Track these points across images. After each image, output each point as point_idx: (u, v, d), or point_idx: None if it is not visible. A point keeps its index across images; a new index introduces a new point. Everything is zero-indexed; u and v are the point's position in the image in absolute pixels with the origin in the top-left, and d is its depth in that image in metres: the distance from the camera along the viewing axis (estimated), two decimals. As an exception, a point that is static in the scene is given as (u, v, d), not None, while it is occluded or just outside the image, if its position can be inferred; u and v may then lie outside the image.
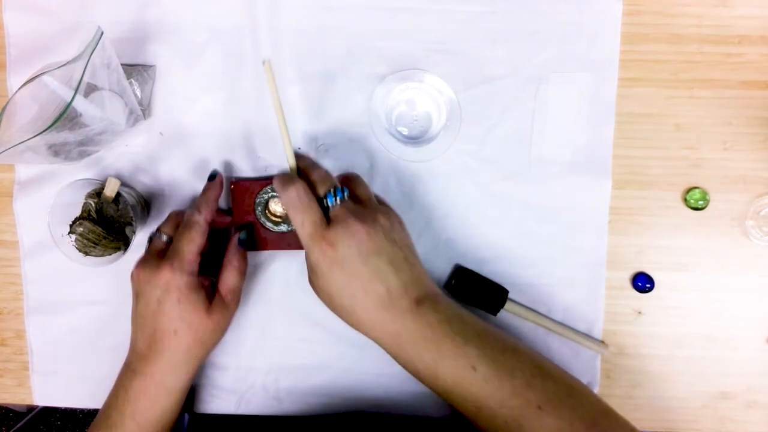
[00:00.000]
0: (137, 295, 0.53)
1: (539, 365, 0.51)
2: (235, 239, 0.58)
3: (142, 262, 0.54)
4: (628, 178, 0.61)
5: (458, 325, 0.50)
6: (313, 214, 0.48)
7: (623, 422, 0.49)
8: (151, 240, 0.56)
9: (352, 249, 0.47)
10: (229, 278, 0.55)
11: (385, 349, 0.52)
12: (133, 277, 0.54)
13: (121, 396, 0.54)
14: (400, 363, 0.52)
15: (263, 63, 0.52)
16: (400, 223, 0.53)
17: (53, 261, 0.61)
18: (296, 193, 0.48)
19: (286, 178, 0.51)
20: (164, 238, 0.55)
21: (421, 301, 0.50)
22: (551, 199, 0.61)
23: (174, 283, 0.51)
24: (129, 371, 0.54)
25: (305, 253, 0.51)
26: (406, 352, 0.50)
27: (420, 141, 0.61)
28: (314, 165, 0.52)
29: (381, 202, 0.53)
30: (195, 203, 0.56)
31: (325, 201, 0.49)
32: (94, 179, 0.58)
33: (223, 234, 0.62)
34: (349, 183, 0.55)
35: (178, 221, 0.56)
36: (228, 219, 0.60)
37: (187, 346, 0.53)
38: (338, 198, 0.49)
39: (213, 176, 0.59)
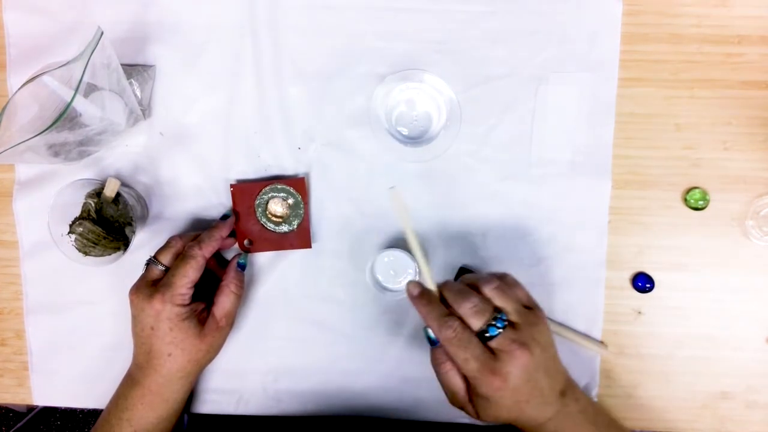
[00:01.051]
0: (133, 317, 0.55)
1: None
2: (234, 263, 0.59)
3: (137, 288, 0.55)
4: (628, 178, 0.61)
5: (592, 414, 0.52)
6: (475, 349, 0.47)
7: None
8: (147, 265, 0.56)
9: (519, 376, 0.48)
10: (224, 302, 0.57)
11: (524, 430, 0.53)
12: (130, 298, 0.55)
13: (120, 403, 0.56)
14: None
15: (390, 188, 0.53)
16: (546, 320, 0.52)
17: (53, 261, 0.61)
18: (454, 332, 0.47)
19: (440, 318, 0.49)
20: (160, 267, 0.55)
21: (565, 392, 0.51)
22: (551, 199, 0.61)
23: (165, 314, 0.53)
24: (130, 380, 0.56)
25: (471, 382, 0.49)
26: None
27: (420, 141, 0.61)
28: (463, 293, 0.50)
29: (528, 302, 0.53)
30: (199, 237, 0.57)
31: (487, 334, 0.48)
32: (94, 179, 0.58)
33: (223, 258, 0.63)
34: (507, 287, 0.52)
35: (177, 251, 0.56)
36: (232, 242, 0.61)
37: (181, 365, 0.55)
38: (500, 327, 0.48)
39: (226, 217, 0.60)
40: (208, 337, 0.55)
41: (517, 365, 0.47)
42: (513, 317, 0.49)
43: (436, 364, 0.51)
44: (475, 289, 0.50)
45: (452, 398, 0.51)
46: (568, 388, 0.52)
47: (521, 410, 0.49)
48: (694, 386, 0.62)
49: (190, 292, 0.54)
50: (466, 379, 0.49)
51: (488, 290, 0.50)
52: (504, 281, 0.52)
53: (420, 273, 0.52)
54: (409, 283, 0.52)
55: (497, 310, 0.49)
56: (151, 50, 0.62)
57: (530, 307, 0.51)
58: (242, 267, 0.59)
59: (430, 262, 0.61)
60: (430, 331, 0.50)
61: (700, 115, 0.61)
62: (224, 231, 0.58)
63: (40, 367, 0.64)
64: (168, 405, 0.56)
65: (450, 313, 0.49)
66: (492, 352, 0.48)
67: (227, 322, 0.57)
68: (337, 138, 0.62)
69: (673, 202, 0.61)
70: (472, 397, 0.50)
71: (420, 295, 0.51)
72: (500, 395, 0.48)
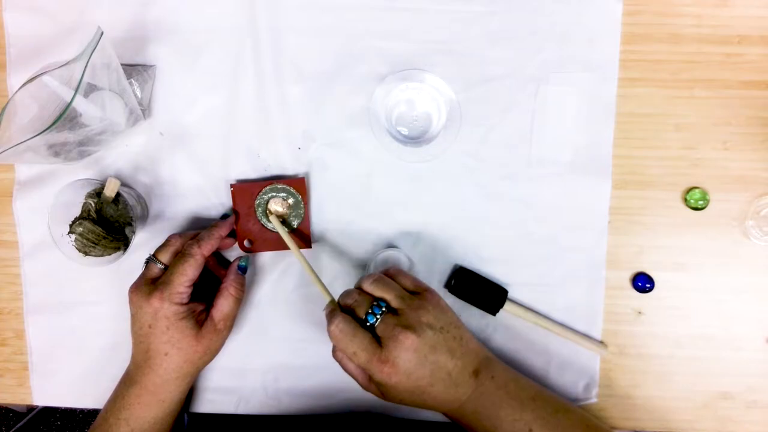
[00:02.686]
0: (132, 315, 0.55)
1: (588, 423, 0.53)
2: (234, 266, 0.59)
3: (137, 286, 0.55)
4: (628, 178, 0.61)
5: (513, 390, 0.52)
6: (362, 340, 0.49)
7: None
8: (147, 263, 0.57)
9: (410, 359, 0.48)
10: (223, 305, 0.56)
11: (445, 416, 0.54)
12: (129, 297, 0.55)
13: (118, 402, 0.56)
14: (460, 425, 0.54)
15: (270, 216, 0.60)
16: (440, 302, 0.53)
17: (53, 261, 0.61)
18: (338, 327, 0.49)
19: (328, 315, 0.51)
20: (160, 266, 0.56)
21: (478, 371, 0.52)
22: (551, 199, 0.61)
23: (162, 312, 0.53)
24: (128, 379, 0.57)
25: (366, 372, 0.50)
26: (468, 420, 0.52)
27: (420, 141, 0.61)
28: (345, 294, 0.52)
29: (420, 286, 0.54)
30: (198, 235, 0.57)
31: (367, 323, 0.49)
32: (94, 179, 0.58)
33: (225, 259, 0.63)
34: (388, 278, 0.53)
35: (176, 250, 0.56)
36: (231, 242, 0.61)
37: (177, 365, 0.55)
38: (377, 314, 0.49)
39: (226, 216, 0.60)
40: (205, 339, 0.55)
41: (403, 349, 0.48)
42: (394, 303, 0.50)
43: (333, 353, 0.53)
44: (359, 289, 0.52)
45: (357, 383, 0.53)
46: (483, 367, 0.52)
47: (426, 394, 0.50)
48: (694, 386, 0.62)
49: (189, 290, 0.54)
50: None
51: (366, 285, 0.52)
52: (386, 273, 0.53)
53: (318, 287, 0.55)
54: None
55: (377, 300, 0.50)
56: (151, 50, 0.62)
57: (419, 292, 0.52)
58: (243, 270, 0.59)
59: (431, 262, 0.62)
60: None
61: (700, 115, 0.61)
62: (224, 230, 0.58)
63: (40, 367, 0.64)
64: (164, 405, 0.56)
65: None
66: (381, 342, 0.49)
67: (225, 326, 0.57)
68: (337, 138, 0.62)
69: (673, 202, 0.61)
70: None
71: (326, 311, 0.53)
72: (395, 381, 0.49)
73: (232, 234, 0.61)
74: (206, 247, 0.55)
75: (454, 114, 0.60)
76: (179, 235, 0.57)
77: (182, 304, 0.54)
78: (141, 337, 0.54)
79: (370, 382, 0.52)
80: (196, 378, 0.62)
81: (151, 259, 0.56)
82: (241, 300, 0.58)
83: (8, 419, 1.39)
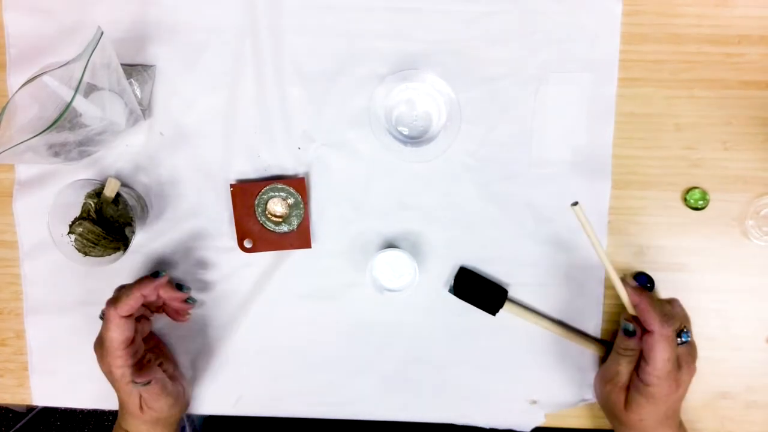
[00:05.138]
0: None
1: None
2: (179, 295, 0.58)
3: (95, 345, 0.55)
4: (628, 178, 0.61)
5: None
6: (675, 354, 0.52)
7: None
8: (101, 317, 0.54)
9: (686, 389, 0.53)
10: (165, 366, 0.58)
11: None
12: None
13: None
14: None
15: (572, 205, 0.53)
16: None
17: (53, 261, 0.61)
18: (674, 332, 0.52)
19: (665, 316, 0.52)
20: None
21: (680, 425, 0.56)
22: (551, 199, 0.61)
23: (114, 377, 0.53)
24: (118, 428, 0.57)
25: (653, 381, 0.51)
26: None
27: (420, 141, 0.61)
28: (655, 302, 0.54)
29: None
30: (115, 294, 0.54)
31: (679, 339, 0.53)
32: (94, 179, 0.58)
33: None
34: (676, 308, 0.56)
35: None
36: (182, 295, 0.58)
37: (159, 413, 0.55)
38: (688, 339, 0.54)
39: (157, 274, 0.56)
40: (177, 383, 0.57)
41: (689, 378, 0.53)
42: (691, 336, 0.55)
43: (624, 348, 0.54)
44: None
45: (611, 379, 0.55)
46: (682, 425, 0.56)
47: (657, 422, 0.53)
48: (694, 386, 0.61)
49: (128, 350, 0.53)
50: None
51: (678, 307, 0.56)
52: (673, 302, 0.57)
53: (613, 279, 0.55)
54: (626, 285, 0.55)
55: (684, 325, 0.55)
56: (151, 50, 0.62)
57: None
58: (156, 276, 0.56)
59: (431, 262, 0.62)
60: (629, 325, 0.54)
61: (700, 115, 0.61)
62: (146, 289, 0.54)
63: (40, 367, 0.64)
64: None
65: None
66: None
67: (175, 371, 0.59)
68: (337, 138, 0.62)
69: (672, 202, 0.61)
70: (630, 391, 0.54)
71: (641, 293, 0.54)
72: (671, 399, 0.52)
73: (182, 288, 0.59)
74: (123, 309, 0.52)
75: (454, 114, 0.60)
76: (129, 285, 0.55)
77: (129, 366, 0.52)
78: (115, 389, 0.55)
79: (622, 389, 0.54)
80: (197, 376, 0.62)
81: (101, 315, 0.54)
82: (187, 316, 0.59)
83: (8, 419, 1.38)
